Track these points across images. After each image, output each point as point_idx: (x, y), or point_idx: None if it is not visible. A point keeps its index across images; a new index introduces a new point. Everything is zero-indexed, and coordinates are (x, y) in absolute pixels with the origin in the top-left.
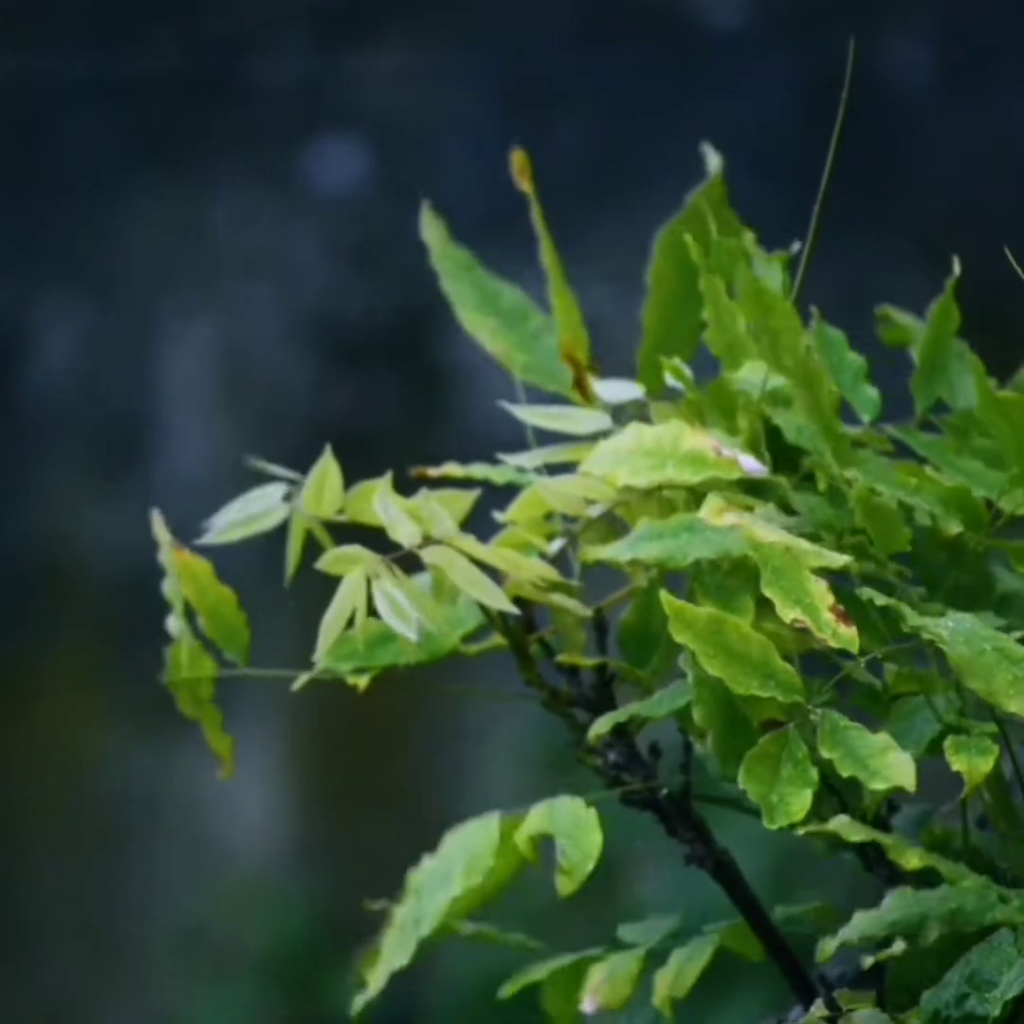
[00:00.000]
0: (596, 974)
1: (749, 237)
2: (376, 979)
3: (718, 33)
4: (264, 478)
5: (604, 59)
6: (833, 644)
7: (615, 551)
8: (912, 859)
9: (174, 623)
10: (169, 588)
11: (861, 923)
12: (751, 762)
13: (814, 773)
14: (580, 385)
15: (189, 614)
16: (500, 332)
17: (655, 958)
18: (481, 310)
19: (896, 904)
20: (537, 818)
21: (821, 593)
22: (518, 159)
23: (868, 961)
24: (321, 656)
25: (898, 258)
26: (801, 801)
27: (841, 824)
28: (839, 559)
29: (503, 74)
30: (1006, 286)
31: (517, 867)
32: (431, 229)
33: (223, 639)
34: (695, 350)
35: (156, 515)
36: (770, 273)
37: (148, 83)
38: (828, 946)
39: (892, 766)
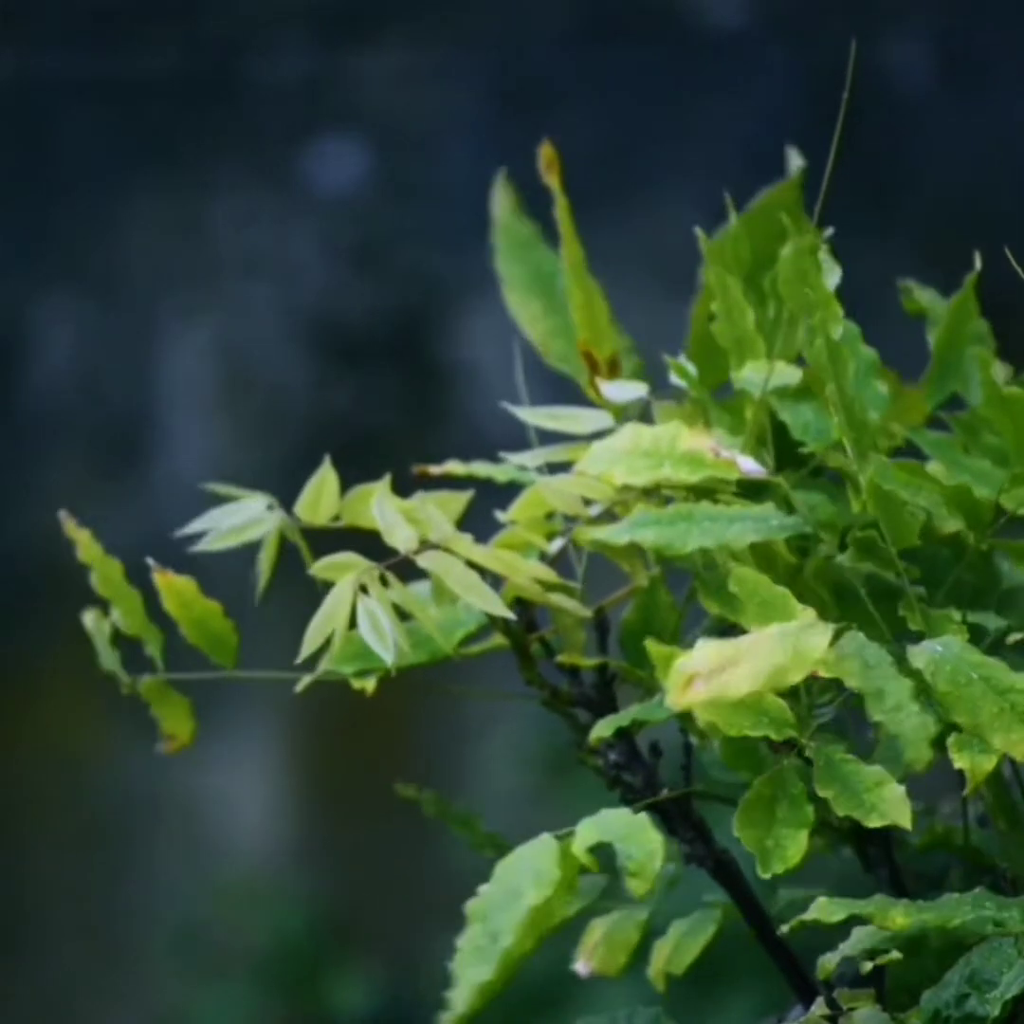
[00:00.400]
0: (596, 932)
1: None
2: (461, 996)
3: (718, 33)
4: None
5: (604, 59)
6: (825, 675)
7: (612, 533)
8: (897, 919)
9: (90, 620)
10: (101, 585)
11: (861, 936)
12: (747, 807)
13: (810, 812)
14: (592, 384)
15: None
16: (543, 317)
17: (656, 921)
18: (530, 291)
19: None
20: (590, 831)
21: (813, 618)
22: (547, 154)
23: (867, 967)
24: (303, 659)
25: (898, 257)
26: (797, 845)
27: (821, 906)
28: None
29: (503, 74)
30: (1006, 286)
31: (573, 882)
32: (501, 199)
33: (209, 648)
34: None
35: (63, 515)
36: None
37: (148, 83)
38: (829, 963)
39: (888, 801)
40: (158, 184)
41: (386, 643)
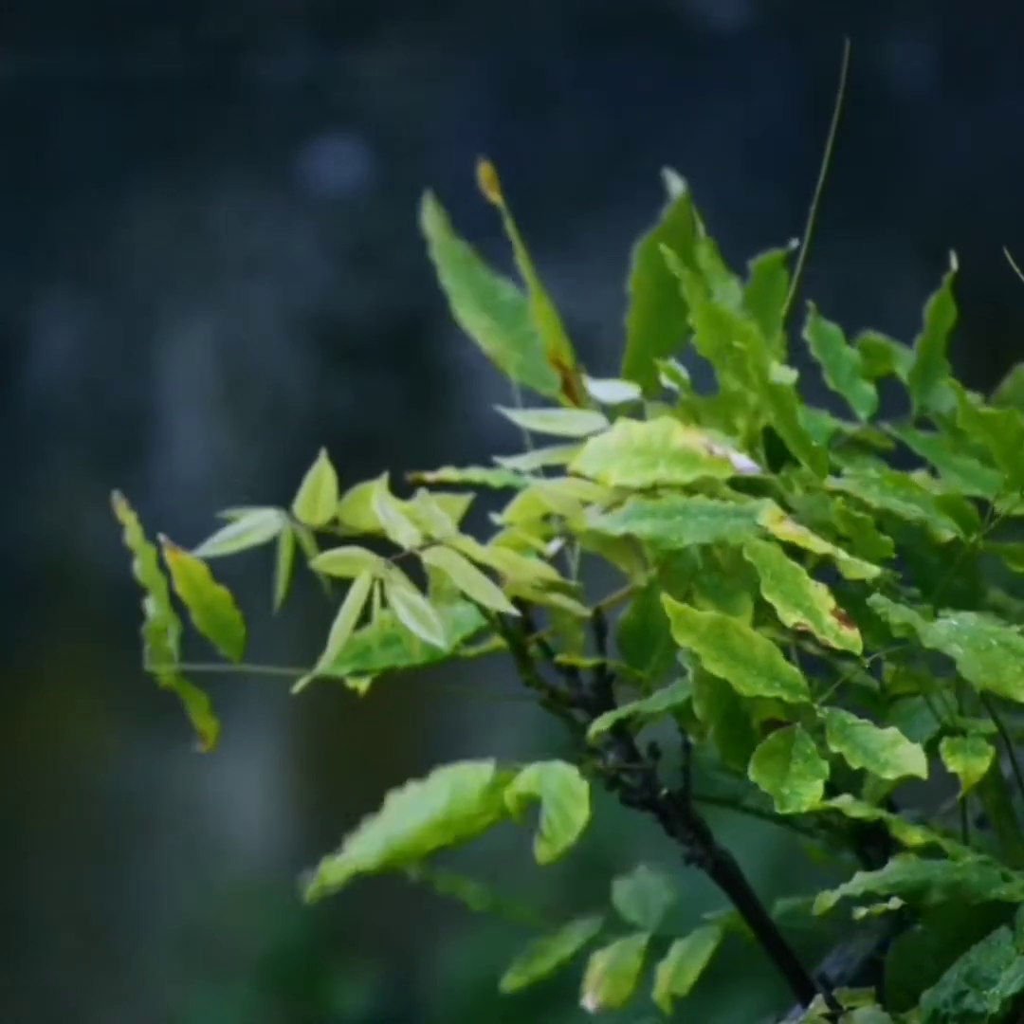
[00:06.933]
0: (597, 966)
1: (708, 256)
2: (335, 876)
3: (718, 33)
4: (261, 483)
5: (604, 59)
6: (837, 646)
7: (608, 522)
8: (915, 836)
9: (151, 606)
10: (141, 572)
11: (863, 880)
12: (760, 757)
13: (824, 766)
14: (568, 389)
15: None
16: (495, 331)
17: (656, 946)
18: (477, 308)
19: (900, 868)
20: (528, 778)
21: (821, 597)
22: (485, 172)
23: (860, 913)
24: (330, 661)
25: (898, 257)
26: (813, 791)
27: (845, 803)
28: (873, 570)
29: (503, 74)
30: (1006, 287)
31: (494, 821)
32: (432, 221)
33: (218, 636)
34: (679, 356)
35: (116, 497)
36: (728, 293)
37: (148, 83)
38: (827, 899)
39: (903, 756)
40: (158, 184)
41: (432, 627)
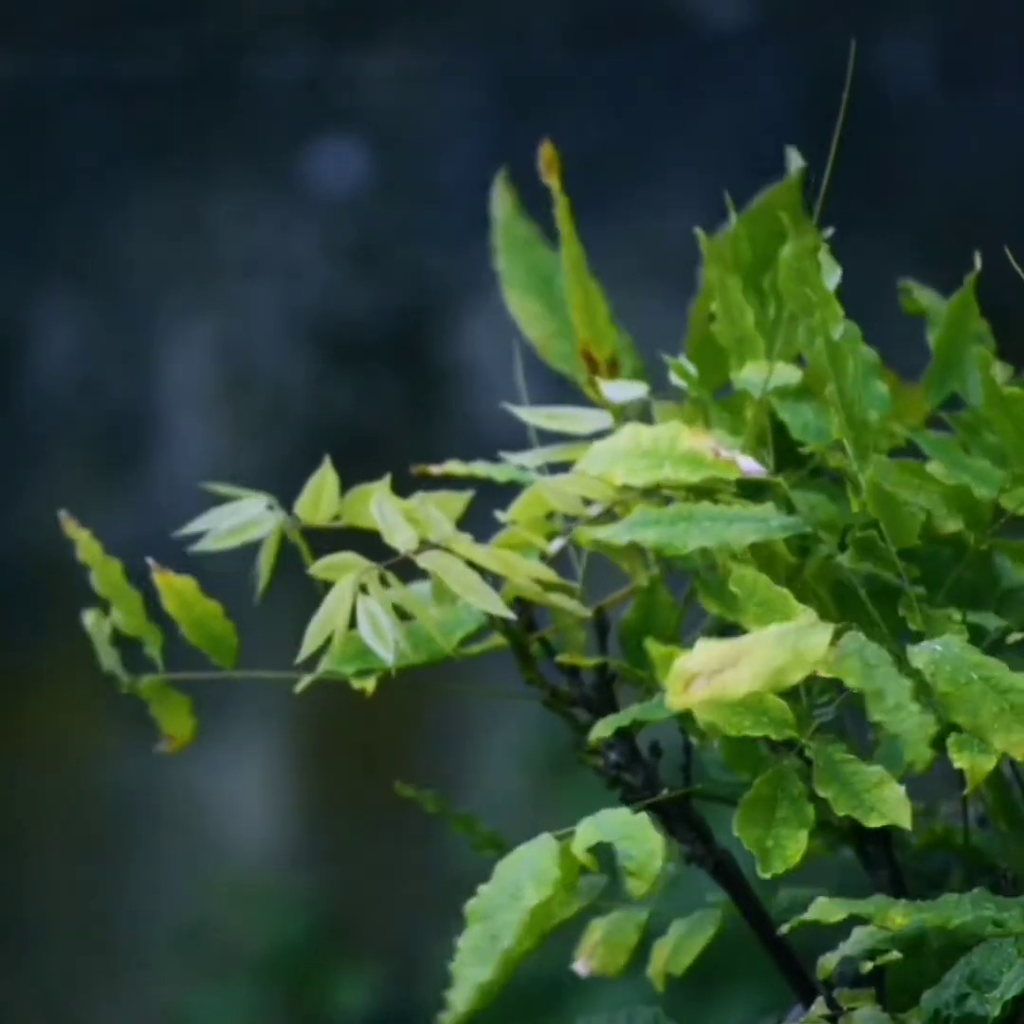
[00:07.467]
0: (594, 933)
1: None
2: (461, 996)
3: (718, 33)
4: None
5: (604, 59)
6: (827, 674)
7: (613, 533)
8: (896, 918)
9: (90, 620)
10: (100, 585)
11: (861, 936)
12: (747, 807)
13: (810, 812)
14: (593, 383)
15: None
16: (542, 317)
17: (655, 921)
18: (529, 290)
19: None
20: (589, 831)
21: (811, 620)
22: (547, 153)
23: (867, 966)
24: (302, 659)
25: (898, 258)
26: (797, 844)
27: (820, 907)
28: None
29: (503, 74)
30: (1007, 287)
31: (573, 890)
32: (501, 200)
33: (209, 648)
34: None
35: (63, 515)
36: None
37: (148, 83)
38: (828, 963)
39: (888, 801)
40: (158, 184)
41: (386, 643)
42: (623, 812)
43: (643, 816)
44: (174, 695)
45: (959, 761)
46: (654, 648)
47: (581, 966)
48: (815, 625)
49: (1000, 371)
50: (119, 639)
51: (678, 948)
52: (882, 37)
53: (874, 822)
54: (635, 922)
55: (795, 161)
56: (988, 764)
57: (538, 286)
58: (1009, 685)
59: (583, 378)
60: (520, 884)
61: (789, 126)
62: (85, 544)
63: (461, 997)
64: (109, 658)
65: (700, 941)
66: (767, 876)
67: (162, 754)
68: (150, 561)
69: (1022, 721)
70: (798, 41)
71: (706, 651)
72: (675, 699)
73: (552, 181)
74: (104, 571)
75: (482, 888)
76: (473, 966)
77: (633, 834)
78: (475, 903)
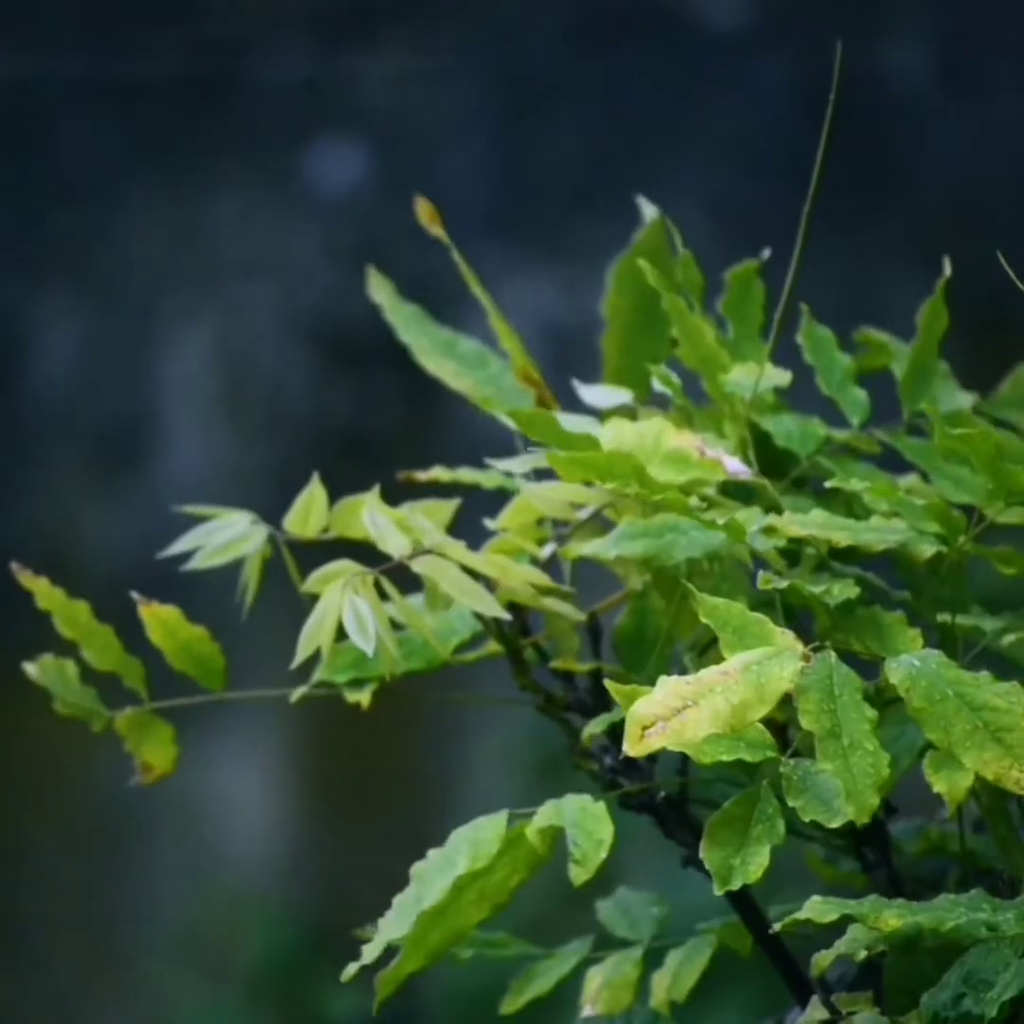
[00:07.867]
0: (594, 980)
1: (687, 270)
2: (372, 952)
3: (718, 33)
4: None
5: (604, 59)
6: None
7: (599, 547)
8: (890, 921)
9: (41, 671)
10: (64, 628)
11: (857, 934)
12: (715, 827)
13: (781, 827)
14: (543, 403)
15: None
16: (462, 373)
17: (652, 957)
18: (440, 355)
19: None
20: (546, 813)
21: (790, 643)
22: (424, 208)
23: (861, 955)
24: (296, 666)
25: (897, 258)
26: (761, 860)
27: (813, 907)
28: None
29: (503, 74)
30: (1004, 287)
31: (526, 868)
32: (379, 289)
33: (196, 673)
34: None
35: (16, 567)
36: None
37: (148, 83)
38: (824, 959)
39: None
40: (158, 185)
41: (367, 634)
42: (584, 798)
43: (600, 805)
44: (158, 723)
45: (936, 784)
46: (613, 687)
47: (588, 1010)
48: (781, 653)
49: (964, 398)
50: (121, 636)
51: (677, 977)
52: (881, 38)
53: (837, 822)
54: (632, 961)
55: (648, 210)
56: (965, 783)
57: (443, 350)
58: (983, 702)
59: (523, 405)
60: (458, 852)
61: (789, 126)
62: (43, 593)
63: (370, 950)
64: (83, 697)
65: (698, 966)
66: (721, 893)
67: (138, 785)
68: (134, 595)
69: (995, 739)
70: (798, 41)
71: (663, 692)
72: (632, 747)
73: (438, 233)
74: (68, 614)
75: (430, 852)
76: (393, 923)
77: (586, 823)
78: (419, 865)
